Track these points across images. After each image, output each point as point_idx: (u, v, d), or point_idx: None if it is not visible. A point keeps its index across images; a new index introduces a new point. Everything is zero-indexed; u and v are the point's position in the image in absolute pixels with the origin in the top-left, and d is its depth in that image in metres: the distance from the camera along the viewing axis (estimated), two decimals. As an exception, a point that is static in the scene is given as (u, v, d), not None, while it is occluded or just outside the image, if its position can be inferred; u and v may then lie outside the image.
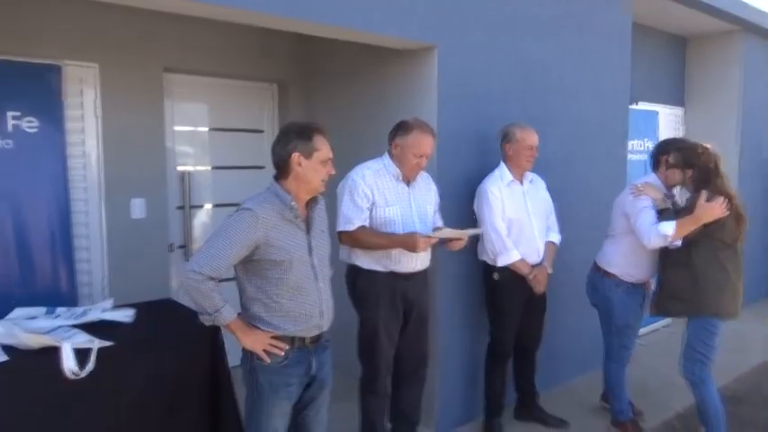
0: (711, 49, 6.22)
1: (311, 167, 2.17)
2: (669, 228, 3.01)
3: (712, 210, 2.93)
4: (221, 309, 2.12)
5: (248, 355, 2.22)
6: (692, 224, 2.97)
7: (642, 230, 3.13)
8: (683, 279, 3.10)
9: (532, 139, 3.30)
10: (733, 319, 3.13)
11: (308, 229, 2.24)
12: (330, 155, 2.22)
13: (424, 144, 2.88)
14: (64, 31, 3.30)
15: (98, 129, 3.46)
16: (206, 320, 2.16)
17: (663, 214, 3.16)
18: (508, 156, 3.34)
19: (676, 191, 3.46)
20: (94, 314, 2.83)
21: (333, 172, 2.25)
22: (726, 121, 6.13)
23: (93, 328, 2.66)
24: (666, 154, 3.33)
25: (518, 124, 3.37)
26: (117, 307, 2.99)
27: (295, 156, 2.15)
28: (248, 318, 2.21)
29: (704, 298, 3.06)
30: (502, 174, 3.34)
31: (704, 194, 2.96)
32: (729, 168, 6.03)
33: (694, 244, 3.05)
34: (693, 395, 3.17)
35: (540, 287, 3.32)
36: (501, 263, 3.28)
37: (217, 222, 4.13)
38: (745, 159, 6.16)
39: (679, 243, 3.07)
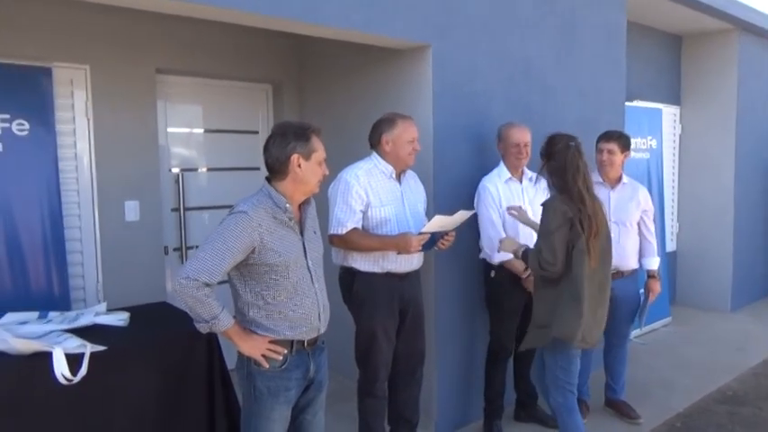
0: (707, 47, 6.21)
1: (310, 169, 2.14)
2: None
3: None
4: (219, 315, 2.06)
5: (245, 361, 2.18)
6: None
7: None
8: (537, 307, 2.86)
9: (517, 136, 3.28)
10: (589, 348, 2.86)
11: (302, 231, 2.21)
12: (325, 155, 2.20)
13: (411, 129, 2.91)
14: (54, 33, 3.26)
15: (89, 131, 3.41)
16: (202, 328, 2.10)
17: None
18: (501, 155, 3.37)
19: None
20: (87, 318, 2.79)
21: (327, 173, 2.22)
22: (722, 119, 6.13)
23: (87, 332, 2.62)
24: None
25: (507, 123, 3.38)
26: (111, 311, 2.95)
27: (295, 157, 2.10)
28: (245, 323, 2.17)
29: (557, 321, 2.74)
30: (500, 171, 3.34)
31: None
32: (725, 167, 6.08)
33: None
34: (558, 422, 2.94)
35: (531, 287, 3.28)
36: (497, 260, 3.26)
37: (212, 225, 4.10)
38: (742, 158, 6.15)
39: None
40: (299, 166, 2.11)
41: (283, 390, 2.17)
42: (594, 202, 2.74)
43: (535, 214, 3.35)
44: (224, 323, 2.08)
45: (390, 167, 2.91)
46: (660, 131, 5.67)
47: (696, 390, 4.11)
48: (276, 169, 2.14)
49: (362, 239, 2.82)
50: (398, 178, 2.96)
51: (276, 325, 2.14)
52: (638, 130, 5.09)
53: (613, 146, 3.50)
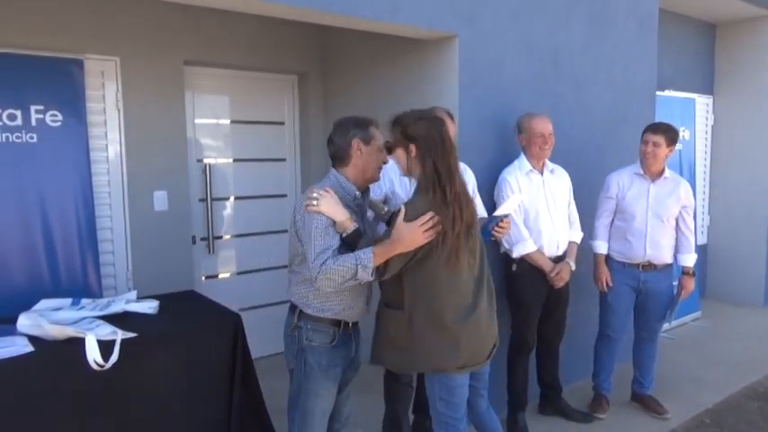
0: (742, 35, 6.03)
1: (370, 153, 2.22)
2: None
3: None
4: (357, 264, 2.01)
5: (296, 336, 2.22)
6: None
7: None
8: (398, 322, 2.20)
9: (541, 126, 3.23)
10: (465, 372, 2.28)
11: (362, 218, 2.29)
12: (383, 143, 2.26)
13: None
14: (85, 25, 3.32)
15: (120, 122, 3.48)
16: (365, 276, 2.04)
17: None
18: (523, 146, 3.32)
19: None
20: (118, 306, 2.85)
21: (387, 160, 2.28)
22: (757, 109, 5.95)
23: (118, 319, 2.68)
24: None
25: (527, 113, 3.34)
26: (140, 299, 3.01)
27: (355, 142, 2.19)
28: (301, 298, 2.21)
29: (420, 347, 2.18)
30: (521, 163, 3.30)
31: (402, 210, 2.08)
32: (760, 158, 5.91)
33: (406, 272, 2.14)
34: None
35: (560, 283, 3.27)
36: (516, 253, 3.23)
37: (238, 214, 4.16)
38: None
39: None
40: (360, 150, 2.20)
41: (333, 366, 2.24)
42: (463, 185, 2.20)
43: (554, 204, 3.31)
44: (368, 259, 2.02)
45: None
46: (693, 122, 5.54)
47: (726, 385, 4.03)
48: (339, 156, 2.24)
49: None
50: None
51: (333, 305, 2.20)
52: (670, 121, 4.94)
53: (660, 138, 3.43)
